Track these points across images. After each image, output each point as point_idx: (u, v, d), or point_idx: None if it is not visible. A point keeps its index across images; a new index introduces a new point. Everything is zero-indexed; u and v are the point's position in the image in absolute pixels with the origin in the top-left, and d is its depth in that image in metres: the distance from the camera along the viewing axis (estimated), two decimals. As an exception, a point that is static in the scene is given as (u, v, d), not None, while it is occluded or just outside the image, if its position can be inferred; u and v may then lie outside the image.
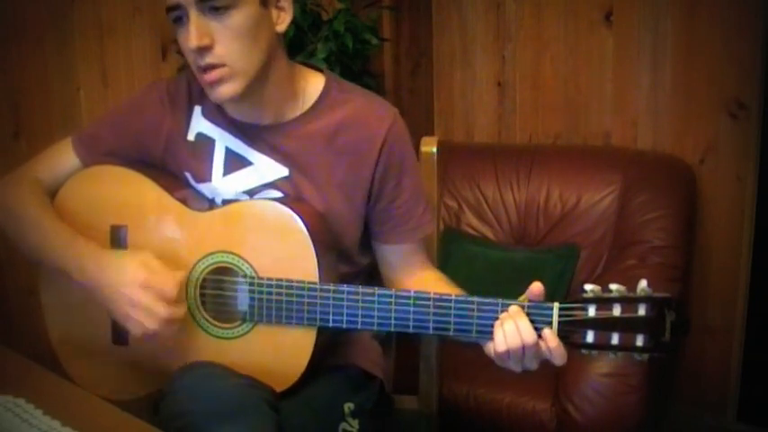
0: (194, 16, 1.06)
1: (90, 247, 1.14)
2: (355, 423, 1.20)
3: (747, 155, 2.08)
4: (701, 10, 2.09)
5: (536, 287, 1.03)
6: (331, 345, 1.21)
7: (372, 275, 1.30)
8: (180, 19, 1.08)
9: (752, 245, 2.11)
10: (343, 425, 1.19)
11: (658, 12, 2.17)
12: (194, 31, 1.05)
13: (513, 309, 1.03)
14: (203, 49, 1.07)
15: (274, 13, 1.13)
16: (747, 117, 2.06)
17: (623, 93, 2.28)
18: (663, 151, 2.21)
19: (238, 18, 1.07)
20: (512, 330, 1.01)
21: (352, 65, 2.17)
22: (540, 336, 1.02)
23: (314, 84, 1.22)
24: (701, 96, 2.13)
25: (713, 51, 2.09)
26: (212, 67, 1.08)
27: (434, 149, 1.37)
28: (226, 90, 1.10)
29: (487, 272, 2.15)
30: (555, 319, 1.01)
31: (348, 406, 1.20)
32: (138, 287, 1.05)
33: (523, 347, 1.01)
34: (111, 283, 1.08)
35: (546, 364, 1.04)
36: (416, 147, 1.34)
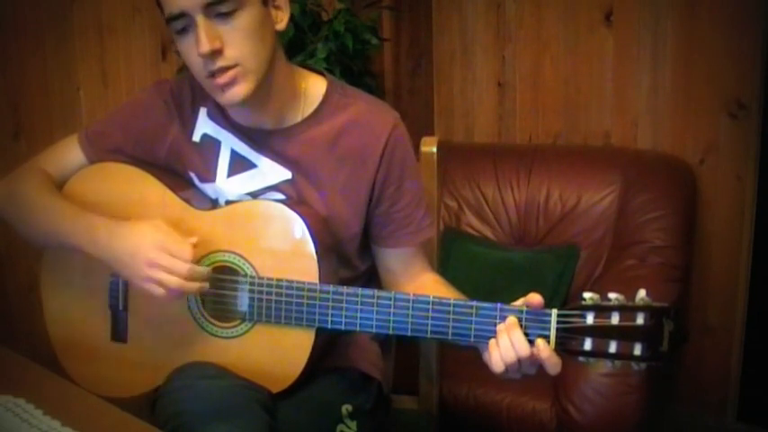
0: (202, 22, 1.05)
1: (100, 218, 1.15)
2: (353, 425, 1.20)
3: (747, 155, 2.08)
4: (701, 10, 2.09)
5: (534, 299, 1.03)
6: (329, 346, 1.21)
7: (371, 280, 1.30)
8: (184, 29, 1.08)
9: (752, 245, 2.11)
10: (341, 426, 1.19)
11: (658, 12, 2.17)
12: (204, 37, 1.05)
13: (509, 321, 1.02)
14: (215, 53, 1.07)
15: (273, 12, 1.14)
16: (747, 117, 2.06)
17: (623, 93, 2.28)
18: (663, 151, 2.21)
19: (244, 19, 1.08)
20: (506, 346, 1.01)
21: (352, 65, 2.17)
22: (533, 344, 1.01)
23: (315, 87, 1.23)
24: (701, 96, 2.13)
25: (713, 51, 2.09)
26: (224, 69, 1.08)
27: (434, 149, 1.37)
28: (238, 91, 1.10)
29: (487, 272, 2.15)
30: (553, 325, 1.01)
31: (346, 407, 1.20)
32: (155, 248, 1.07)
33: (519, 361, 1.01)
34: (128, 248, 1.09)
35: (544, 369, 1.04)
36: (416, 147, 1.34)
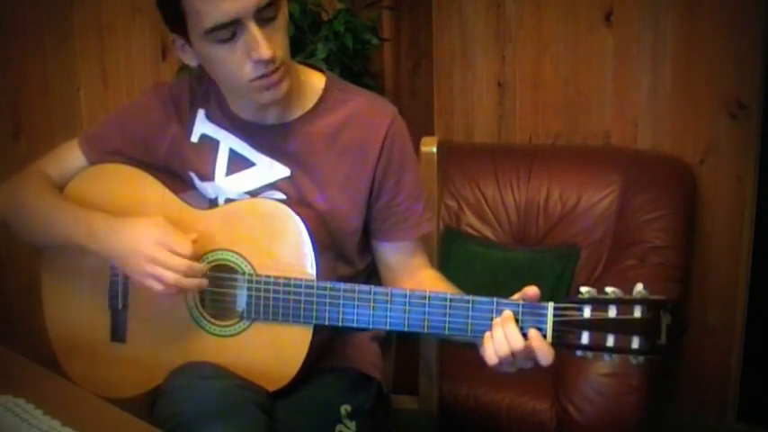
0: (254, 28, 1.06)
1: (99, 214, 1.17)
2: (352, 425, 1.20)
3: (747, 155, 2.08)
4: (701, 10, 2.09)
5: (530, 291, 1.03)
6: (328, 345, 1.22)
7: (370, 278, 1.30)
8: (232, 36, 1.07)
9: (752, 245, 2.11)
10: (340, 426, 1.19)
11: (658, 12, 2.17)
12: (265, 42, 1.06)
13: (504, 314, 1.02)
14: (273, 57, 1.08)
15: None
16: (747, 117, 2.06)
17: (623, 93, 2.28)
18: (663, 151, 2.21)
19: (281, 19, 1.10)
20: (500, 340, 1.01)
21: (352, 65, 2.17)
22: (525, 336, 1.01)
23: (315, 83, 1.24)
24: (701, 96, 2.13)
25: (713, 51, 2.09)
26: (274, 70, 1.10)
27: (434, 149, 1.37)
28: (284, 87, 1.13)
29: (487, 272, 2.15)
30: (549, 318, 1.01)
31: (345, 408, 1.20)
32: (154, 244, 1.09)
33: (513, 354, 1.01)
34: (127, 243, 1.11)
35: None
36: (416, 147, 1.34)
